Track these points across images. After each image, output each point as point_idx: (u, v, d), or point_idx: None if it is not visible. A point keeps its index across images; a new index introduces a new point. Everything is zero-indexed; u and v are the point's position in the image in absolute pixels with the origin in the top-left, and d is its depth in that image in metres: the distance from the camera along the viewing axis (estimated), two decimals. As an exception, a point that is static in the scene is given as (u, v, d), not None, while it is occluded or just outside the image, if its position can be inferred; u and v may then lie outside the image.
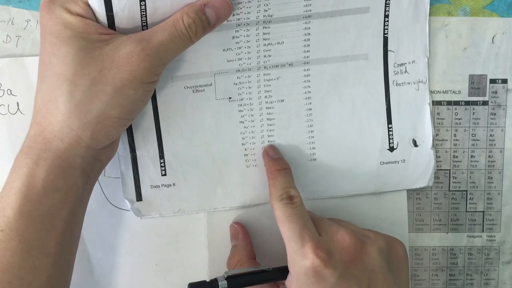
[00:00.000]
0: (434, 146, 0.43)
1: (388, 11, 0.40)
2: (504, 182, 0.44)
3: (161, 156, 0.40)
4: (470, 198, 0.44)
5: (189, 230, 0.42)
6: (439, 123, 0.43)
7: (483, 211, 0.44)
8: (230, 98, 0.41)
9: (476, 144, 0.43)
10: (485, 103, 0.43)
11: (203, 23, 0.35)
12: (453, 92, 0.43)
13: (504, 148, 0.43)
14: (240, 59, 0.40)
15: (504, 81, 0.43)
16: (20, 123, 0.40)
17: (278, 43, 0.40)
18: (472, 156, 0.43)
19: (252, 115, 0.41)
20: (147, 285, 0.42)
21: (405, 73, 0.41)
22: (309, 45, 0.40)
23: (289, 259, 0.35)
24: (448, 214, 0.44)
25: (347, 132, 0.42)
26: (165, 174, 0.41)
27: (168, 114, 0.40)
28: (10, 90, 0.40)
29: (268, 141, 0.41)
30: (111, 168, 0.40)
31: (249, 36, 0.39)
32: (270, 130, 0.41)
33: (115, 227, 0.42)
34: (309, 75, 0.41)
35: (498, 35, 0.42)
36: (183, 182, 0.41)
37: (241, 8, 0.38)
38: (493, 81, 0.43)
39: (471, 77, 0.43)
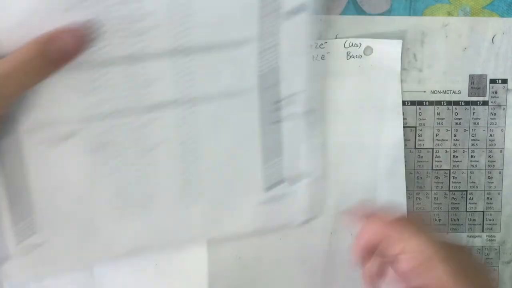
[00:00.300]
0: (320, 177, 0.42)
1: (267, 44, 0.38)
2: (504, 182, 0.44)
3: (28, 214, 0.36)
4: (470, 198, 0.44)
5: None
6: (439, 123, 0.43)
7: (483, 211, 0.44)
8: (99, 145, 0.36)
9: (476, 144, 0.43)
10: (485, 103, 0.43)
11: (49, 58, 0.31)
12: (453, 92, 0.43)
13: (504, 148, 0.43)
14: (107, 102, 0.35)
15: (504, 81, 0.43)
16: None
17: (147, 82, 0.36)
18: (472, 156, 0.43)
19: (125, 162, 0.37)
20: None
21: (287, 106, 0.40)
22: (181, 84, 0.36)
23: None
24: (448, 214, 0.44)
25: (226, 172, 0.40)
26: (34, 233, 0.36)
27: (33, 168, 0.35)
28: None
29: (145, 188, 0.38)
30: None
31: (113, 76, 0.35)
32: (146, 176, 0.38)
33: None
34: (183, 115, 0.37)
35: (498, 35, 0.42)
36: (55, 240, 0.37)
37: (102, 46, 0.34)
38: (493, 81, 0.43)
39: (471, 77, 0.43)
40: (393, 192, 0.43)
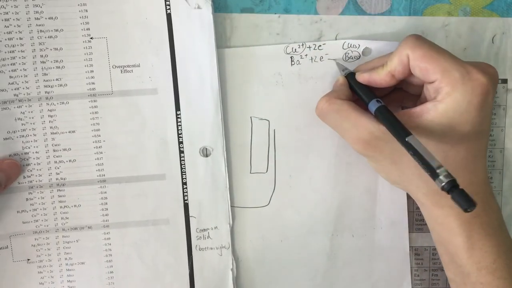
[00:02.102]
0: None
1: (185, 178, 0.41)
2: (504, 182, 0.44)
3: None
4: (470, 198, 0.44)
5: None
6: (439, 123, 0.43)
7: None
8: (28, 260, 0.41)
9: (476, 144, 0.43)
10: (485, 103, 0.43)
11: None
12: (453, 92, 0.43)
13: (504, 148, 0.43)
14: (37, 220, 0.40)
15: (504, 81, 0.43)
16: None
17: (75, 205, 0.41)
18: (472, 156, 0.43)
19: (52, 277, 0.41)
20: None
21: (207, 238, 0.42)
22: (107, 209, 0.41)
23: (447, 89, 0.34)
24: (448, 214, 0.44)
25: None
26: None
27: None
28: None
29: None
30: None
31: (43, 198, 0.40)
32: None
33: None
34: (109, 238, 0.41)
35: (498, 35, 0.42)
36: None
37: (31, 171, 0.40)
38: (493, 81, 0.43)
39: (471, 77, 0.43)
40: (393, 192, 0.43)
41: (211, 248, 0.42)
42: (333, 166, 0.43)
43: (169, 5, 0.39)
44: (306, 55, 0.41)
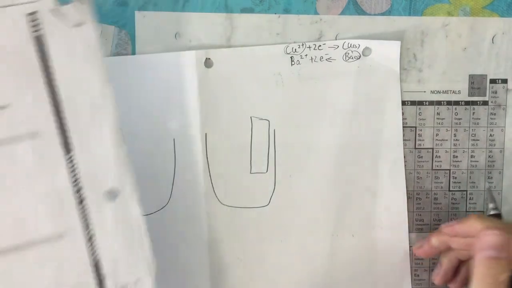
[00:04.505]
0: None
1: (91, 231, 0.35)
2: (504, 182, 0.44)
3: None
4: (470, 198, 0.44)
5: (187, 237, 0.42)
6: (439, 123, 0.43)
7: (483, 211, 0.44)
8: None
9: (476, 144, 0.43)
10: (485, 103, 0.43)
11: None
12: (453, 92, 0.43)
13: (504, 148, 0.43)
14: None
15: (504, 81, 0.43)
16: None
17: None
18: (472, 156, 0.43)
19: None
20: None
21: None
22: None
23: None
24: (448, 214, 0.44)
25: None
26: None
27: None
28: None
29: None
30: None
31: None
32: None
33: None
34: None
35: (498, 35, 0.42)
36: None
37: None
38: (493, 81, 0.43)
39: (471, 77, 0.43)
40: (393, 192, 0.43)
41: None
42: (333, 166, 0.43)
43: (37, 25, 0.32)
44: (306, 55, 0.41)
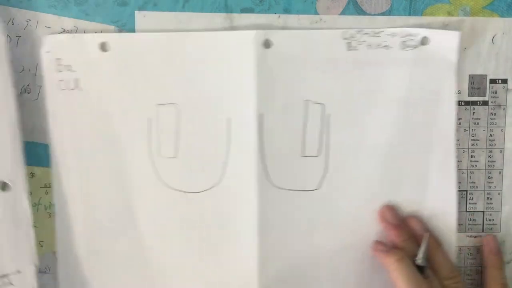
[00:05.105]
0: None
1: None
2: (504, 182, 0.44)
3: None
4: (470, 198, 0.44)
5: (238, 216, 0.42)
6: (439, 123, 0.43)
7: (483, 211, 0.44)
8: None
9: (476, 144, 0.43)
10: (485, 103, 0.43)
11: None
12: (453, 92, 0.43)
13: (504, 148, 0.43)
14: None
15: (504, 81, 0.43)
16: (79, 98, 0.41)
17: None
18: (472, 156, 0.43)
19: None
20: (196, 267, 0.43)
21: (9, 285, 0.38)
22: None
23: None
24: (448, 214, 0.44)
25: None
26: None
27: None
28: (70, 66, 0.41)
29: None
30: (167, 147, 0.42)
31: None
32: None
33: (167, 206, 0.42)
34: None
35: (498, 35, 0.42)
36: None
37: None
38: (493, 81, 0.43)
39: (471, 77, 0.43)
40: (443, 185, 0.42)
41: None
42: (384, 154, 0.42)
43: None
44: (363, 41, 0.41)
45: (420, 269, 0.40)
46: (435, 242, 0.41)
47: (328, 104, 0.41)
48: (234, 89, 0.41)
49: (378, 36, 0.41)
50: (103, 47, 0.41)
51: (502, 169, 0.43)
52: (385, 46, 0.41)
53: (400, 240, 0.41)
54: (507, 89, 0.43)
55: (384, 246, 0.41)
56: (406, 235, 0.41)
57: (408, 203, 0.43)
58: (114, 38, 0.41)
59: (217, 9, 0.41)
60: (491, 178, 0.44)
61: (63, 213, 0.42)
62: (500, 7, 0.42)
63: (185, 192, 0.43)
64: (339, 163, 0.42)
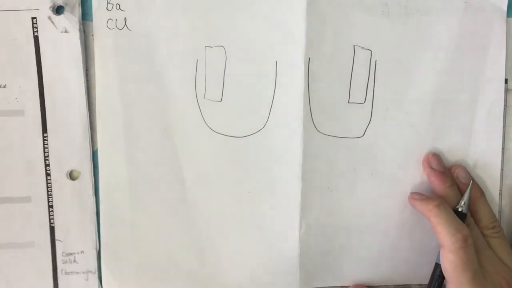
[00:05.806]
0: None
1: (52, 201, 0.42)
2: (504, 182, 0.44)
3: None
4: (470, 197, 0.43)
5: (281, 162, 0.41)
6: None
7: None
8: None
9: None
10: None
11: None
12: (454, 91, 0.44)
13: (504, 148, 0.44)
14: None
15: (504, 81, 0.43)
16: (126, 39, 0.40)
17: None
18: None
19: None
20: (239, 213, 0.41)
21: (73, 262, 0.42)
22: None
23: None
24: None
25: None
26: None
27: None
28: (119, 5, 0.40)
29: None
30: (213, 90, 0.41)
31: None
32: None
33: (211, 150, 0.41)
34: None
35: (499, 34, 0.43)
36: None
37: None
38: (493, 80, 0.44)
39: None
40: (489, 135, 0.43)
41: (77, 273, 0.42)
42: (430, 103, 0.42)
43: (36, 27, 0.40)
44: None
45: (461, 217, 0.39)
46: (478, 191, 0.41)
47: (376, 50, 0.41)
48: (283, 32, 0.41)
49: None
50: (153, -13, 0.41)
51: (502, 169, 0.44)
52: None
53: (444, 187, 0.41)
54: (507, 89, 0.43)
55: (421, 195, 0.41)
56: (450, 182, 0.41)
57: (453, 152, 0.43)
58: None
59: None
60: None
61: (106, 157, 0.40)
62: (500, 7, 0.43)
63: (229, 136, 0.41)
64: (384, 111, 0.42)
